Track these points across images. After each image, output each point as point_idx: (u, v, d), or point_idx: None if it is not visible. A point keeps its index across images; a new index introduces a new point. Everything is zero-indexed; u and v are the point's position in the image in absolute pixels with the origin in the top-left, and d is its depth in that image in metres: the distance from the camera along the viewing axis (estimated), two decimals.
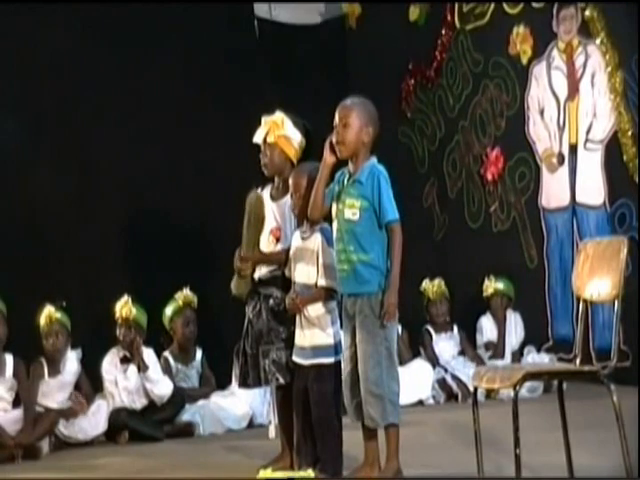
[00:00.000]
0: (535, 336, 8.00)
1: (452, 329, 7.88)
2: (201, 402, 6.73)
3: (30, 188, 7.35)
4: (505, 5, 8.41)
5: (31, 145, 7.43)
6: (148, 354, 6.58)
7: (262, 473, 4.75)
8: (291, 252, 4.68)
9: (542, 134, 8.18)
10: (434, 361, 7.63)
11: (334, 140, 4.45)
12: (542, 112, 8.18)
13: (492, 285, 7.96)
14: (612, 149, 7.53)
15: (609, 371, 3.91)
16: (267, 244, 4.89)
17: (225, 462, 5.43)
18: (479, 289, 8.01)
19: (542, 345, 7.97)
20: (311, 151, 4.92)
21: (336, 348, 4.51)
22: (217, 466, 5.28)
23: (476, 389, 4.25)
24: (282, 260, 4.76)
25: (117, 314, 6.63)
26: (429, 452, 5.23)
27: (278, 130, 4.90)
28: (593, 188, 7.71)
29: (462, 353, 7.80)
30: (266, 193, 5.02)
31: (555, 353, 7.72)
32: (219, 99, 8.30)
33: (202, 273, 7.43)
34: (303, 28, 9.66)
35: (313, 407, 4.48)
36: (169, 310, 7.04)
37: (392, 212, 4.36)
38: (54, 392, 6.37)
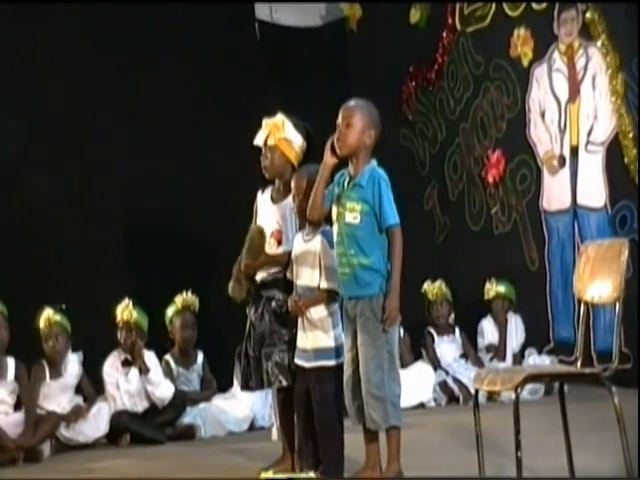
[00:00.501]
0: (536, 338, 8.00)
1: (454, 332, 7.88)
2: (202, 405, 6.73)
3: (30, 188, 7.34)
4: (506, 7, 8.41)
5: (31, 145, 7.42)
6: (149, 357, 6.58)
7: (264, 475, 4.76)
8: (293, 255, 4.68)
9: (543, 136, 8.18)
10: (435, 364, 7.63)
11: (335, 139, 4.45)
12: (543, 114, 8.18)
13: (493, 288, 7.97)
14: (613, 151, 7.53)
15: (610, 373, 3.91)
16: (268, 247, 4.89)
17: (226, 465, 5.43)
18: (480, 292, 8.01)
19: (543, 347, 7.97)
20: (312, 153, 4.93)
21: (338, 351, 4.50)
22: (218, 469, 5.28)
23: (477, 391, 4.26)
24: (285, 262, 4.77)
25: (118, 317, 6.63)
26: (430, 455, 5.23)
27: (279, 133, 4.90)
28: (594, 190, 7.71)
29: (464, 356, 7.80)
30: (267, 195, 5.03)
31: (556, 355, 7.72)
32: (219, 99, 8.31)
33: (203, 275, 7.41)
34: (304, 31, 9.67)
35: (315, 409, 4.48)
36: (169, 313, 7.04)
37: (393, 216, 4.36)
38: (56, 394, 6.37)
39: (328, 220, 4.57)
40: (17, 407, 6.17)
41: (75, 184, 7.65)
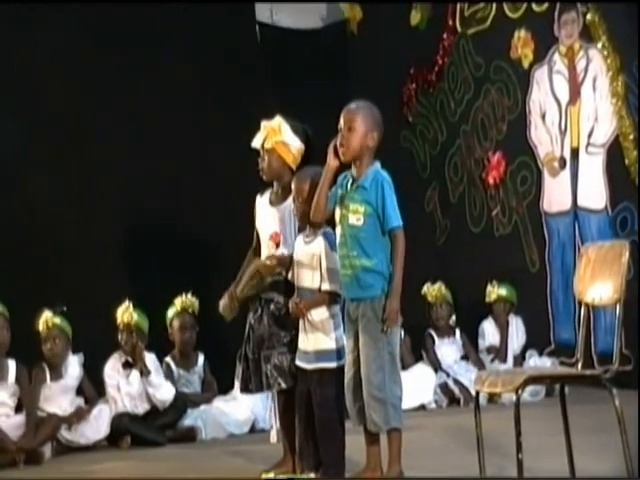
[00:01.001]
0: (537, 340, 8.00)
1: (454, 333, 7.88)
2: (203, 407, 6.73)
3: (30, 188, 7.34)
4: (506, 9, 8.42)
5: (31, 145, 7.41)
6: (150, 359, 6.58)
7: (264, 477, 4.76)
8: (294, 257, 4.68)
9: (544, 138, 8.19)
10: (436, 365, 7.63)
11: (338, 143, 4.45)
12: (544, 116, 8.19)
13: (495, 291, 7.97)
14: (614, 153, 7.54)
15: (611, 375, 3.91)
16: (267, 249, 4.89)
17: (227, 467, 5.42)
18: (481, 293, 8.02)
19: (544, 349, 7.98)
20: (312, 156, 4.92)
21: (339, 352, 4.50)
22: (219, 471, 5.28)
23: (478, 393, 4.26)
24: (287, 264, 4.76)
25: (119, 319, 6.63)
26: (431, 456, 5.23)
27: (276, 136, 4.90)
28: (595, 192, 7.72)
29: (464, 357, 7.80)
30: (265, 198, 5.03)
31: (557, 357, 7.73)
32: (219, 99, 8.31)
33: (204, 277, 7.42)
34: (304, 33, 9.67)
35: (316, 411, 4.48)
36: (169, 315, 7.04)
37: (396, 219, 4.36)
38: (56, 396, 6.37)
39: (329, 222, 4.57)
40: (18, 409, 6.17)
41: (75, 184, 7.65)
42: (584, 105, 7.82)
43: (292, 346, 4.68)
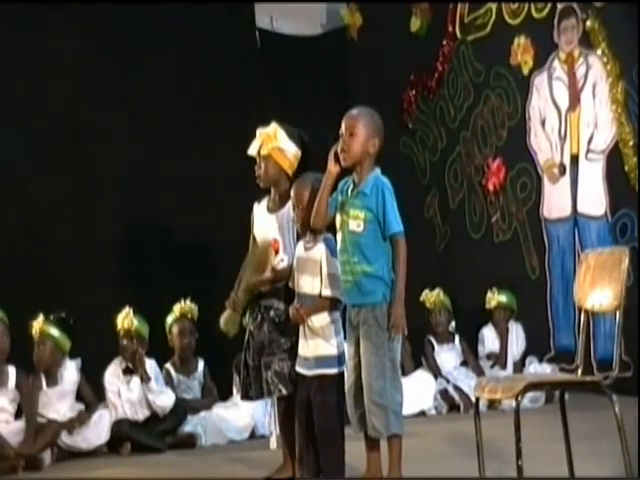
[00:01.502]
0: (537, 346, 8.00)
1: (454, 340, 7.88)
2: (203, 413, 6.72)
3: (30, 189, 7.34)
4: (506, 16, 8.43)
5: (31, 146, 7.41)
6: (150, 365, 6.58)
7: None
8: (294, 263, 4.68)
9: (543, 144, 8.19)
10: (436, 372, 7.63)
11: (339, 149, 4.45)
12: (543, 122, 8.19)
13: (495, 298, 7.97)
14: (613, 159, 7.54)
15: (611, 381, 3.91)
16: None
17: (227, 473, 5.43)
18: (481, 300, 8.01)
19: (544, 355, 7.97)
20: (309, 162, 4.93)
21: (340, 359, 4.50)
22: (219, 477, 5.28)
23: (478, 400, 4.26)
24: (288, 275, 4.75)
25: (119, 326, 6.63)
26: (431, 463, 5.22)
27: (271, 142, 4.90)
28: (594, 198, 7.72)
29: (464, 364, 7.80)
30: (263, 206, 5.03)
31: (557, 363, 7.72)
32: (219, 99, 8.31)
33: (204, 283, 7.41)
34: (304, 39, 9.68)
35: (316, 417, 4.47)
36: (167, 321, 7.05)
37: (396, 224, 4.36)
38: (53, 402, 6.35)
39: (329, 228, 4.57)
40: (18, 415, 6.16)
41: (75, 184, 7.64)
42: (584, 111, 7.82)
43: (292, 352, 4.68)
